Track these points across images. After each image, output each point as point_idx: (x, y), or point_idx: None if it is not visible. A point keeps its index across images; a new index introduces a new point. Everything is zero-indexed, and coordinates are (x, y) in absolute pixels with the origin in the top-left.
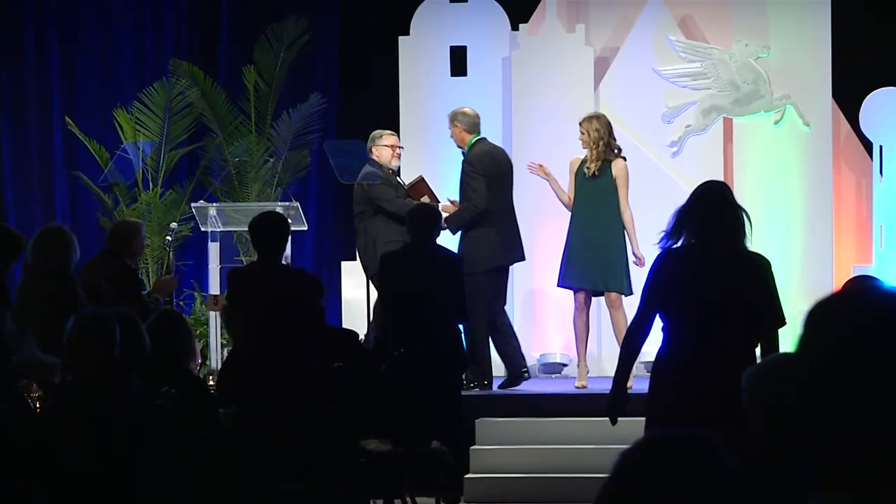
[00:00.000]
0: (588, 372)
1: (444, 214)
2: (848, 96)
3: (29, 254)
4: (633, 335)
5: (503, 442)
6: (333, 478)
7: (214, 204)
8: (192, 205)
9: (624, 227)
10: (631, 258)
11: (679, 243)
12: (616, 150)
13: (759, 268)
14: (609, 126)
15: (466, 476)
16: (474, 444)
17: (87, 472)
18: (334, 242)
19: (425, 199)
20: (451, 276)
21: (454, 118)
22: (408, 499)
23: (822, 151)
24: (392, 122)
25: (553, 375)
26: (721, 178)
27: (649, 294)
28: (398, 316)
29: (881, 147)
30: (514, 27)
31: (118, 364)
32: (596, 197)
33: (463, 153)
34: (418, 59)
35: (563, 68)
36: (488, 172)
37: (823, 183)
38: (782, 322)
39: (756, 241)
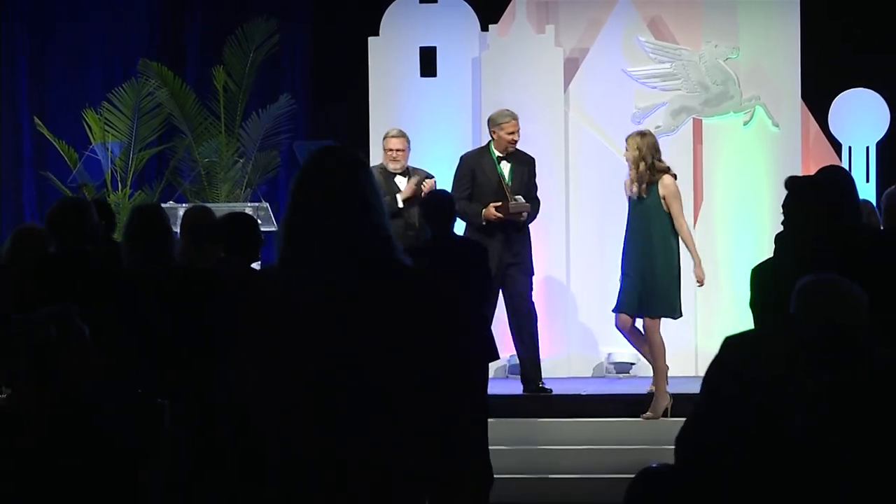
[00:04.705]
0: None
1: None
2: (817, 97)
3: (4, 253)
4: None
5: None
6: None
7: (184, 205)
8: (162, 206)
9: (678, 248)
10: (693, 278)
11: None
12: (662, 170)
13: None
14: (653, 145)
15: None
16: None
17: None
18: None
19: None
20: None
21: None
22: None
23: (792, 152)
24: (362, 123)
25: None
26: (691, 180)
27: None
28: None
29: (850, 148)
30: (484, 28)
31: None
32: (641, 220)
33: (508, 157)
34: (388, 59)
35: (532, 69)
36: None
37: None
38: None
39: (726, 243)
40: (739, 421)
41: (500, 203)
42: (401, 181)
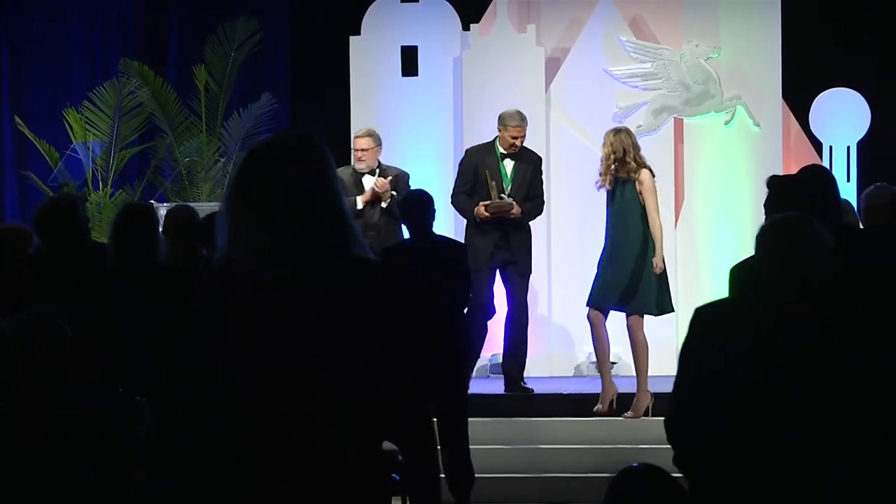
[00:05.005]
0: (615, 396)
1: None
2: (798, 96)
3: None
4: None
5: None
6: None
7: (165, 204)
8: (152, 204)
9: (652, 242)
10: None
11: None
12: (637, 166)
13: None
14: (626, 144)
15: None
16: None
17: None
18: None
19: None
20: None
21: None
22: None
23: (773, 151)
24: (343, 123)
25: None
26: (672, 180)
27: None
28: None
29: (831, 147)
30: (466, 27)
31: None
32: (618, 217)
33: (513, 154)
34: (369, 59)
35: (514, 69)
36: None
37: None
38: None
39: (707, 242)
40: (724, 396)
41: (489, 202)
42: (368, 181)
